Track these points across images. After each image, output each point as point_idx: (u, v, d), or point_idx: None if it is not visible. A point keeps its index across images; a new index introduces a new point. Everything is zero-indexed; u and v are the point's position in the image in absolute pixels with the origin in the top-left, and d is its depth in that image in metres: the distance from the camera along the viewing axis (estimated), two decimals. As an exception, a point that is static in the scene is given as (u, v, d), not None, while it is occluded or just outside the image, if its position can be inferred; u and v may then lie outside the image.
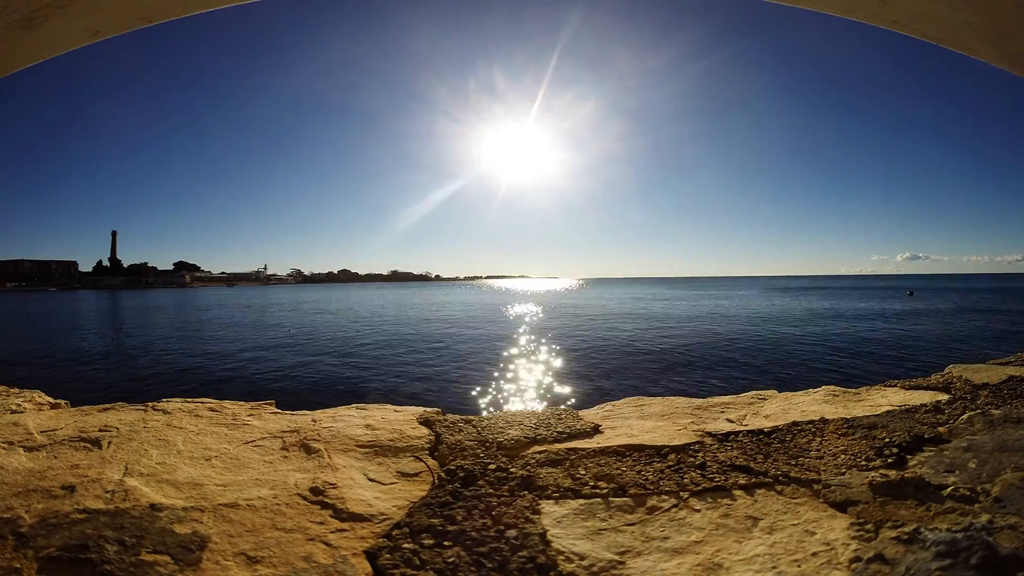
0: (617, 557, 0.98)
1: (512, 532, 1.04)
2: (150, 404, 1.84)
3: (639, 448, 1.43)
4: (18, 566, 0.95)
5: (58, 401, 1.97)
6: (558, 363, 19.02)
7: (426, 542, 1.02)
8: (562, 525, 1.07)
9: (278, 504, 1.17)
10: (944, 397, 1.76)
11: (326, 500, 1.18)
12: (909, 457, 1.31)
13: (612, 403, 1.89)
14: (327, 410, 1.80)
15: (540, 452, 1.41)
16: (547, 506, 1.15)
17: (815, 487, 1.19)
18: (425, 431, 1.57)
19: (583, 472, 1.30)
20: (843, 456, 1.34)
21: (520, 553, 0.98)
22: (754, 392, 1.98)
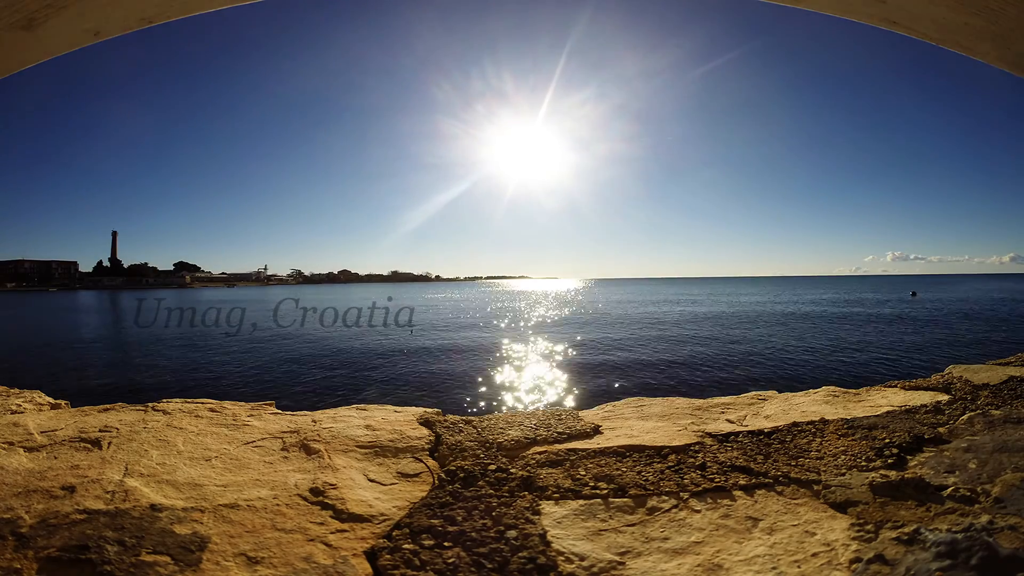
0: (617, 558, 0.98)
1: (512, 533, 1.04)
2: (150, 404, 1.84)
3: (639, 449, 1.43)
4: (18, 566, 0.95)
5: (58, 401, 1.97)
6: (558, 364, 19.01)
7: (426, 543, 1.02)
8: (562, 526, 1.07)
9: (278, 505, 1.17)
10: (944, 397, 1.76)
11: (326, 501, 1.18)
12: (909, 458, 1.31)
13: (612, 404, 1.89)
14: (327, 410, 1.80)
15: (540, 453, 1.41)
16: (547, 507, 1.15)
17: (815, 488, 1.19)
18: (425, 432, 1.57)
19: (583, 473, 1.30)
20: (843, 457, 1.34)
21: (520, 554, 0.98)
22: (754, 393, 1.98)
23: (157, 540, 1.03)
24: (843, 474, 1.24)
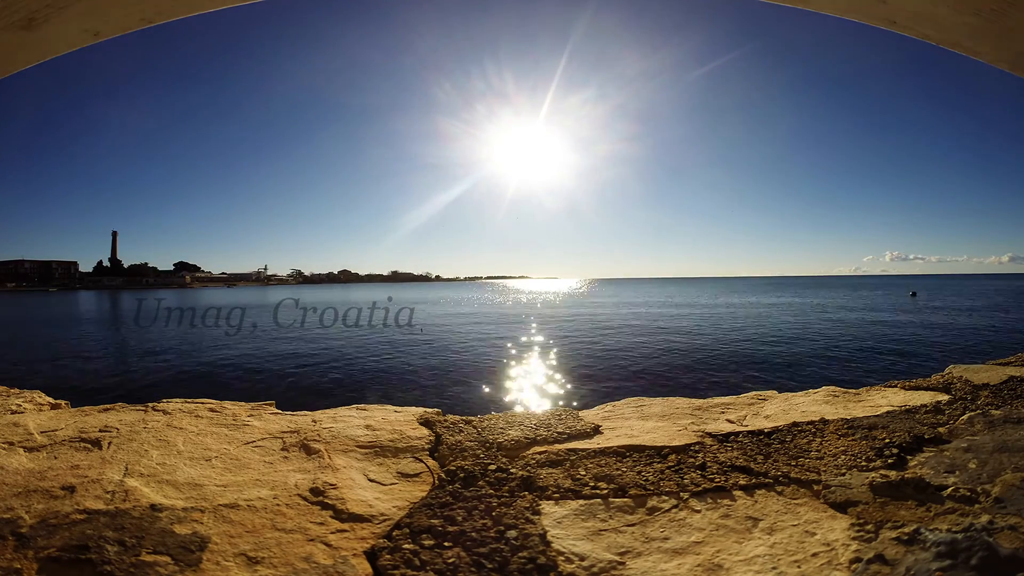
0: (617, 558, 0.98)
1: (512, 533, 1.04)
2: (150, 404, 1.84)
3: (639, 449, 1.43)
4: (18, 566, 0.95)
5: (58, 402, 1.97)
6: (559, 364, 19.02)
7: (426, 543, 1.02)
8: (562, 526, 1.07)
9: (278, 505, 1.17)
10: (944, 397, 1.76)
11: (326, 501, 1.18)
12: (909, 458, 1.31)
13: (612, 403, 1.89)
14: (327, 411, 1.80)
15: (540, 453, 1.41)
16: (547, 507, 1.15)
17: (815, 488, 1.19)
18: (425, 432, 1.57)
19: (583, 473, 1.30)
20: (843, 457, 1.34)
21: (520, 554, 0.98)
22: (754, 393, 1.98)
23: (157, 540, 1.03)
24: (843, 474, 1.24)
